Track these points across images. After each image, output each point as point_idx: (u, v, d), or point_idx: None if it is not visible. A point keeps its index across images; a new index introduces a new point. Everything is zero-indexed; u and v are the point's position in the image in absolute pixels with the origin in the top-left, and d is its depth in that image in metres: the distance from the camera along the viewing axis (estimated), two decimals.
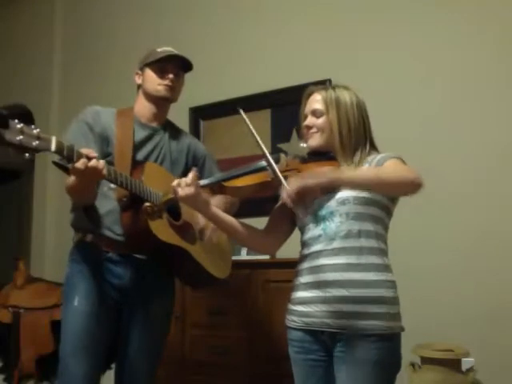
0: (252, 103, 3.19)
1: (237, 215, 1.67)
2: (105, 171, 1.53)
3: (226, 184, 1.53)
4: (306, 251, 1.57)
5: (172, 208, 1.77)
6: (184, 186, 1.48)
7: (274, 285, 2.57)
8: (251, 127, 1.53)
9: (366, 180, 1.44)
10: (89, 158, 1.49)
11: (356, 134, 1.57)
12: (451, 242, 2.57)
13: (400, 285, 1.54)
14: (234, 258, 2.84)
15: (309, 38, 3.09)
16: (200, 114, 3.44)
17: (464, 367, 2.19)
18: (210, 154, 2.15)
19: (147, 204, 1.59)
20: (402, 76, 2.80)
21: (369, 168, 1.52)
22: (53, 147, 1.39)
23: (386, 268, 1.52)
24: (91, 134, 1.81)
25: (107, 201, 1.78)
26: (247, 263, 2.71)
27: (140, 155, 1.87)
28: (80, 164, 1.46)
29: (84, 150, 1.50)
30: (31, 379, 2.83)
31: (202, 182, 1.54)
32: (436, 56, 2.73)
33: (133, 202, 1.70)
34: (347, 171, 1.48)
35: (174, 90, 1.92)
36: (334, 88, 1.62)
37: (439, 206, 2.55)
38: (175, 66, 1.92)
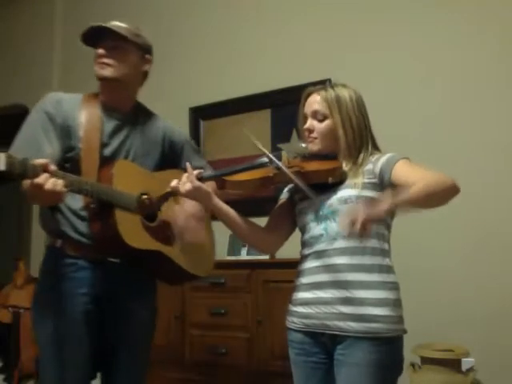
0: (252, 103, 3.20)
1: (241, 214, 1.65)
2: (63, 194, 1.39)
3: (227, 178, 1.53)
4: (307, 251, 1.56)
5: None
6: (184, 181, 1.49)
7: (273, 285, 2.57)
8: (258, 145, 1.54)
9: (416, 196, 1.35)
10: (46, 172, 1.34)
11: (359, 133, 1.56)
12: (451, 243, 2.57)
13: (401, 285, 1.53)
14: (233, 257, 2.86)
15: (309, 37, 3.09)
16: (200, 113, 3.44)
17: (464, 367, 2.19)
18: (189, 140, 1.97)
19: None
20: (402, 76, 2.80)
21: (414, 187, 1.38)
22: (1, 167, 1.25)
23: (389, 269, 1.50)
24: (52, 126, 1.62)
25: (73, 200, 1.61)
26: (247, 263, 2.72)
27: (108, 150, 1.68)
28: (41, 179, 1.33)
29: (39, 162, 1.34)
30: (31, 379, 2.84)
31: (204, 175, 1.55)
32: (436, 56, 2.73)
33: (101, 208, 1.57)
34: (398, 195, 1.37)
35: (110, 66, 1.66)
36: (332, 87, 1.61)
37: (439, 208, 2.54)
38: (106, 40, 1.67)
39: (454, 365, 2.16)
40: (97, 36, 1.68)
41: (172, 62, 3.58)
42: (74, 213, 1.63)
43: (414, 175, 1.43)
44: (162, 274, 1.81)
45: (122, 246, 1.56)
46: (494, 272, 2.47)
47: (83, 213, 1.62)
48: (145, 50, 1.76)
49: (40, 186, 1.33)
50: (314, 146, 1.59)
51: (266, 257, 2.66)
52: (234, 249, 2.88)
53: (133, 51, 1.71)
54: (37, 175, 1.33)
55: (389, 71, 2.83)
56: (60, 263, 1.65)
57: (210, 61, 3.43)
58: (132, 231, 1.59)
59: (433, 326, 2.45)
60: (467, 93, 2.64)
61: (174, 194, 1.53)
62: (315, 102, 1.59)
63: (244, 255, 2.83)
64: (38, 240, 4.01)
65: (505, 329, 2.42)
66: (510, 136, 2.53)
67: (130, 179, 1.64)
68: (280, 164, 1.50)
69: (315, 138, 1.58)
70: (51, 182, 1.34)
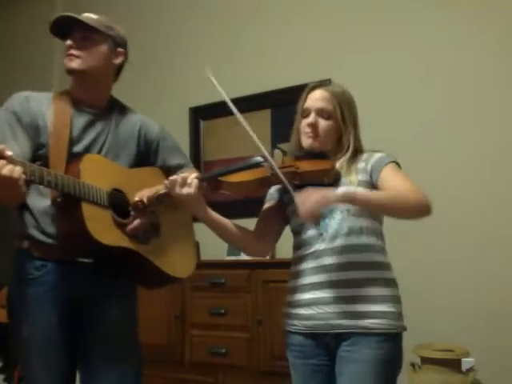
0: (252, 103, 3.19)
1: (231, 216, 1.63)
2: (21, 180, 1.26)
3: (224, 179, 1.48)
4: (305, 251, 1.54)
5: (118, 204, 1.56)
6: (185, 183, 1.44)
7: (273, 285, 2.57)
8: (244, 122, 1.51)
9: (380, 202, 1.43)
10: (1, 158, 1.22)
11: (355, 133, 1.57)
12: (451, 243, 2.57)
13: (401, 285, 1.53)
14: (233, 257, 2.86)
15: (309, 37, 3.09)
16: (200, 114, 3.44)
17: (464, 367, 2.19)
18: (167, 137, 1.82)
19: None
20: (401, 76, 2.80)
21: (381, 192, 1.47)
22: None
23: (388, 266, 1.52)
24: (20, 127, 1.54)
25: (41, 199, 1.54)
26: (247, 263, 2.72)
27: (80, 146, 1.60)
28: None
29: None
30: None
31: (199, 177, 1.49)
32: (436, 56, 2.73)
33: (67, 202, 1.45)
34: (364, 191, 1.47)
35: (78, 57, 1.59)
36: (336, 87, 1.60)
37: (439, 207, 2.54)
38: (75, 31, 1.61)
39: (454, 365, 2.16)
40: (67, 28, 1.61)
41: (172, 62, 3.58)
42: (44, 212, 1.55)
43: (392, 185, 1.46)
44: (138, 276, 1.68)
45: (90, 244, 1.44)
46: (494, 272, 2.47)
47: (51, 213, 1.54)
48: (117, 42, 1.69)
49: None
50: (315, 143, 1.56)
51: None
52: (233, 249, 2.88)
53: (102, 42, 1.64)
54: None
55: (389, 71, 2.83)
56: (29, 266, 1.58)
57: (210, 61, 3.43)
58: (101, 227, 1.48)
59: (433, 326, 2.45)
60: (467, 93, 2.64)
61: (169, 195, 1.48)
62: (323, 98, 1.56)
63: (244, 255, 2.83)
64: None
65: (505, 329, 2.42)
66: (509, 136, 2.53)
67: (99, 174, 1.54)
68: (273, 163, 1.45)
69: (317, 136, 1.56)
70: (8, 169, 1.22)
